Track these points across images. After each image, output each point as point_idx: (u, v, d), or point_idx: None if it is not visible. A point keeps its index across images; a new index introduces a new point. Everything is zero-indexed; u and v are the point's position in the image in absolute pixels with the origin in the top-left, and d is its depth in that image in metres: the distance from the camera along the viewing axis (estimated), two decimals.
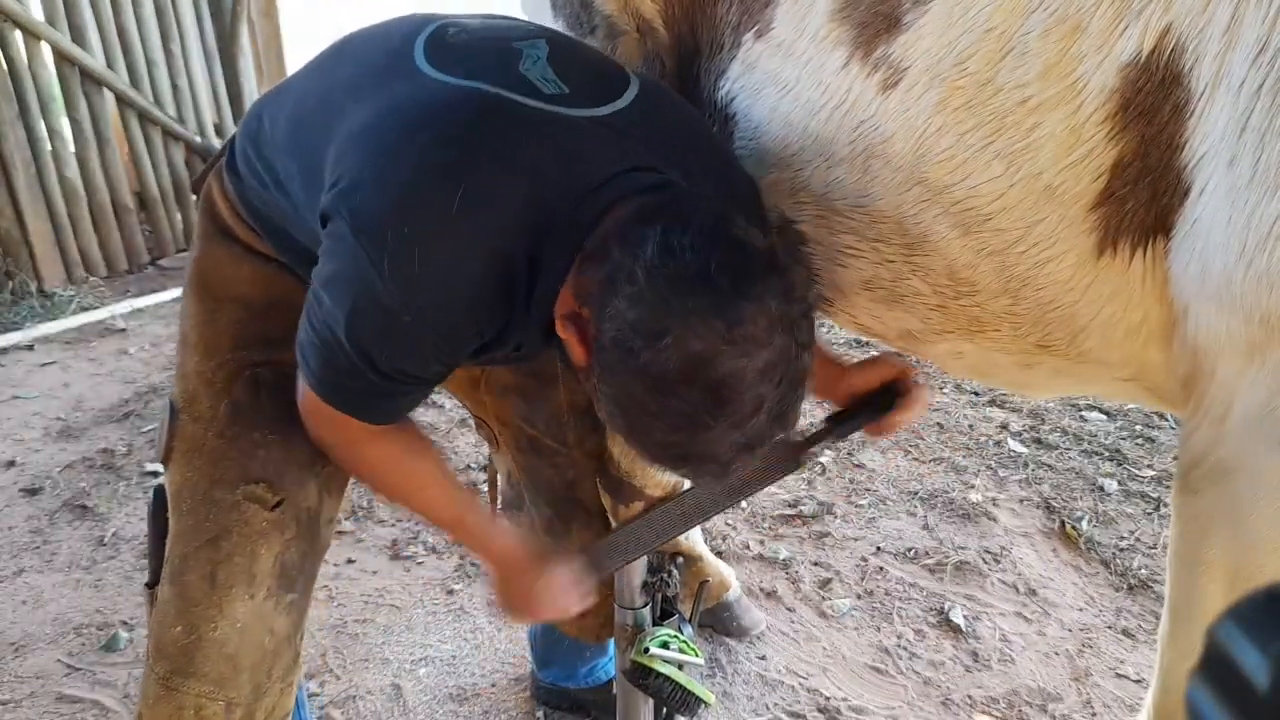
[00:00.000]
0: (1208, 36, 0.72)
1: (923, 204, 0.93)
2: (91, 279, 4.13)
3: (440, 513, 1.06)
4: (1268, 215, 0.69)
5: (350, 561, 2.15)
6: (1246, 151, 0.70)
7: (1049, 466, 2.64)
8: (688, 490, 1.16)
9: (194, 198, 4.36)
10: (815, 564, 2.19)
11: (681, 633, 1.21)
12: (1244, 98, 0.70)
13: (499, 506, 1.50)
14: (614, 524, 1.42)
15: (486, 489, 1.54)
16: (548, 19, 1.28)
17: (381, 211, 0.83)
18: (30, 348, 3.40)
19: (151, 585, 1.08)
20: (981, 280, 0.94)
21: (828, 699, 1.77)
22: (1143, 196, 0.80)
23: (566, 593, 1.04)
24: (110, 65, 4.07)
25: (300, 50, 5.01)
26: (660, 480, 1.45)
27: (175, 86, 4.41)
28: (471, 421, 2.82)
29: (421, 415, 2.88)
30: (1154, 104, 0.77)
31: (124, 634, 1.88)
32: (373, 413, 0.93)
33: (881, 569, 2.17)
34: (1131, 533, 2.31)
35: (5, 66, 3.67)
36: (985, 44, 0.83)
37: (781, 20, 1.00)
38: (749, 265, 0.78)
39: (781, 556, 2.20)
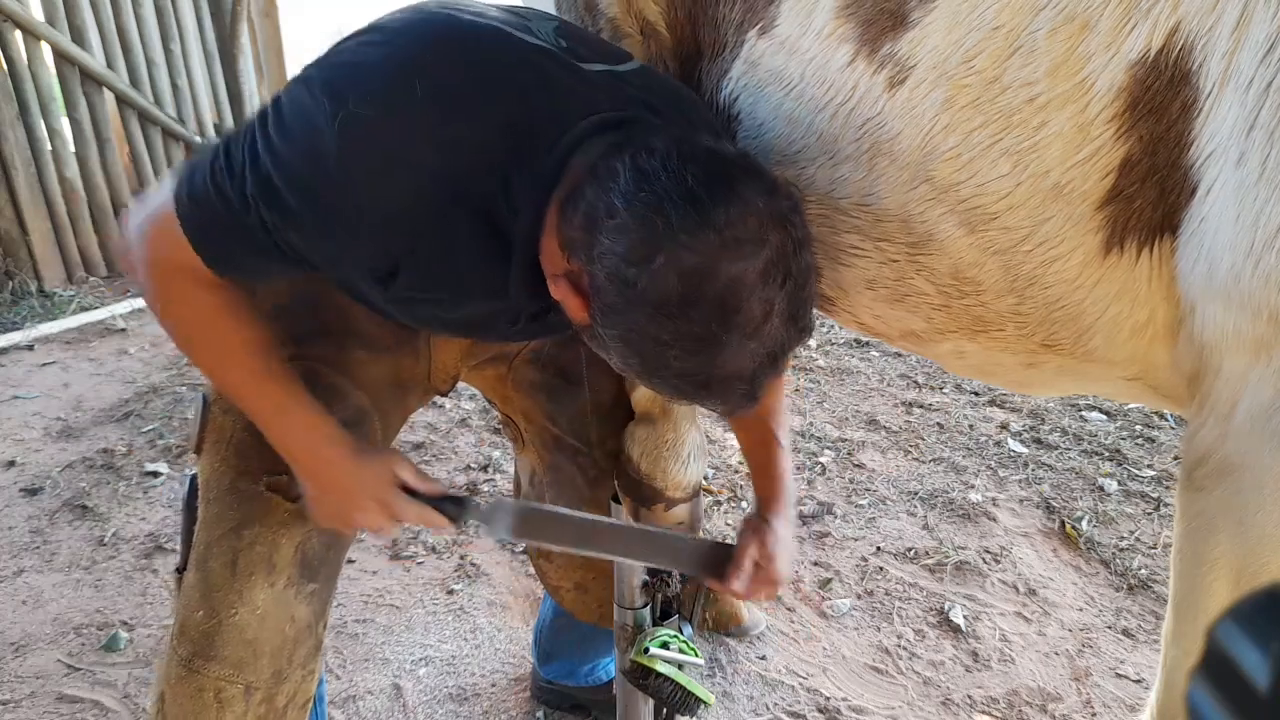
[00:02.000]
0: (1216, 35, 0.72)
1: (928, 202, 0.92)
2: (91, 279, 4.14)
3: (244, 387, 0.96)
4: (1276, 213, 0.69)
5: (350, 561, 2.15)
6: (1255, 149, 0.70)
7: (1049, 466, 2.64)
8: (627, 525, 1.14)
9: None
10: (815, 564, 2.19)
11: (681, 633, 1.21)
12: (1252, 96, 0.70)
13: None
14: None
15: (512, 489, 1.54)
16: None
17: (354, 79, 0.81)
18: (30, 348, 3.40)
19: (180, 570, 1.10)
20: (987, 279, 0.93)
21: (828, 699, 1.77)
22: (1150, 195, 0.80)
23: (384, 492, 0.97)
24: (110, 65, 4.07)
25: (300, 50, 5.01)
26: (679, 482, 1.45)
27: (175, 86, 4.42)
28: (472, 422, 2.83)
29: (422, 416, 2.88)
30: (1162, 102, 0.76)
31: (124, 634, 1.88)
32: (216, 252, 0.87)
33: (881, 569, 2.17)
34: (1131, 533, 2.31)
35: (5, 66, 3.67)
36: (992, 42, 0.83)
37: (786, 17, 0.99)
38: (726, 171, 0.77)
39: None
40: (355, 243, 0.84)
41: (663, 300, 0.74)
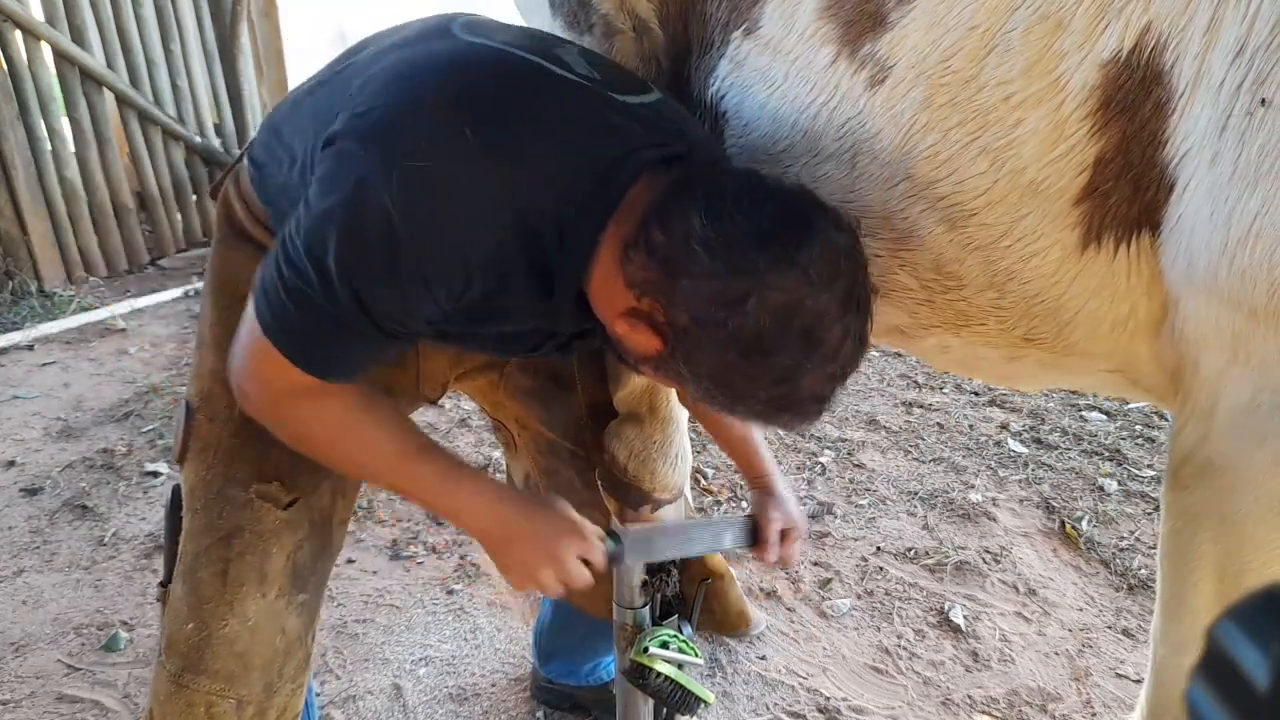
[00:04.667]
0: (1188, 36, 0.73)
1: (909, 199, 0.94)
2: (91, 279, 4.14)
3: (398, 474, 0.94)
4: (1248, 211, 0.70)
5: (350, 561, 2.15)
6: (1227, 150, 0.71)
7: (1049, 466, 2.64)
8: (694, 522, 1.21)
9: (194, 198, 4.34)
10: (815, 564, 2.19)
11: (681, 633, 1.21)
12: (1224, 97, 0.71)
13: None
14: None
15: None
16: (546, 17, 1.28)
17: (400, 128, 0.80)
18: (30, 348, 3.40)
19: (165, 583, 1.08)
20: (968, 274, 0.95)
21: (828, 699, 1.77)
22: (1125, 192, 0.81)
23: (571, 550, 0.96)
24: (110, 65, 4.07)
25: (300, 50, 5.02)
26: (667, 483, 1.45)
27: (175, 86, 4.42)
28: (472, 422, 2.83)
29: (422, 416, 2.88)
30: (1135, 101, 0.78)
31: (124, 634, 1.88)
32: (323, 362, 0.85)
33: (881, 569, 2.17)
34: (1131, 533, 2.32)
35: (5, 66, 3.67)
36: (969, 41, 0.84)
37: (770, 18, 1.00)
38: (796, 208, 0.81)
39: (802, 542, 2.19)
40: (429, 292, 0.82)
41: (755, 338, 0.78)
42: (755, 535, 1.19)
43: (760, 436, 1.29)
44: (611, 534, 1.05)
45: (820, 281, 0.77)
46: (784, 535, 1.20)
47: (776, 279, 0.76)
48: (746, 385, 0.82)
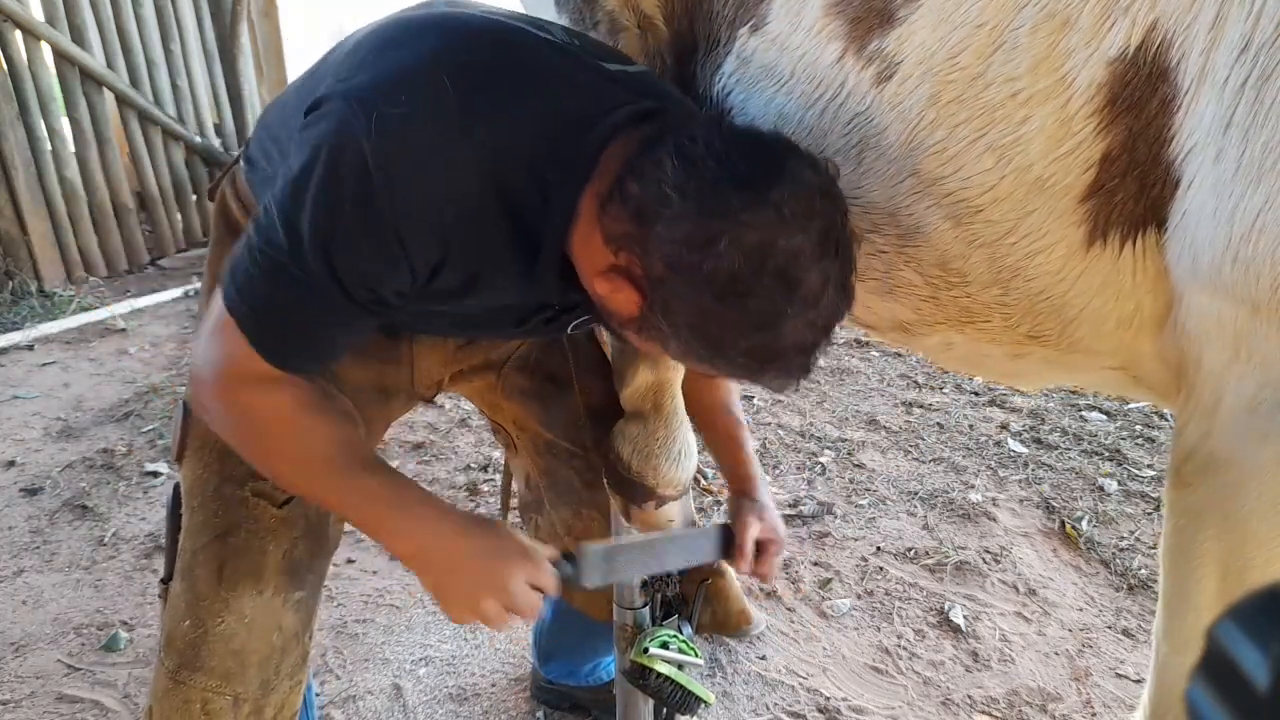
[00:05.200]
0: (1194, 33, 0.74)
1: (915, 195, 0.94)
2: (91, 279, 4.14)
3: (336, 482, 0.89)
4: (1251, 208, 0.71)
5: (350, 561, 2.15)
6: (1231, 146, 0.72)
7: (1049, 466, 2.64)
8: (659, 536, 1.17)
9: (194, 198, 4.33)
10: (815, 564, 2.19)
11: (681, 633, 1.21)
12: (1228, 94, 0.71)
13: (515, 509, 1.50)
14: (628, 525, 1.43)
15: (501, 493, 1.54)
16: (551, 14, 1.28)
17: (381, 84, 0.79)
18: (30, 348, 3.40)
19: (166, 580, 1.09)
20: (973, 271, 0.95)
21: (828, 699, 1.77)
22: (1131, 189, 0.81)
23: (518, 577, 0.88)
24: (110, 65, 4.08)
25: (300, 50, 5.02)
26: (671, 479, 1.45)
27: (175, 86, 4.42)
28: (472, 422, 2.83)
29: (422, 416, 2.88)
30: (1141, 98, 0.78)
31: (124, 634, 1.88)
32: (284, 344, 0.83)
33: (881, 569, 2.17)
34: (1131, 533, 2.32)
35: (5, 66, 3.68)
36: (976, 38, 0.84)
37: (776, 14, 1.01)
38: (769, 150, 0.80)
39: (781, 556, 2.20)
40: (406, 251, 0.81)
41: (729, 279, 0.76)
42: (730, 546, 1.14)
43: (748, 436, 1.27)
44: (567, 556, 0.98)
45: (794, 220, 0.76)
46: (762, 547, 1.16)
47: (749, 217, 0.75)
48: (726, 334, 0.79)
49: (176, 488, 1.10)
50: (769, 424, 2.90)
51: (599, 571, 1.01)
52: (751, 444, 1.27)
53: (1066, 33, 0.79)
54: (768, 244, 0.75)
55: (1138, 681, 1.83)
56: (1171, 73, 0.75)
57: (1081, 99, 0.80)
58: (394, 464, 2.20)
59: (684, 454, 1.49)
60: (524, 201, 0.84)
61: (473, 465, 2.62)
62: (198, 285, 4.03)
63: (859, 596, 2.08)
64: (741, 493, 1.23)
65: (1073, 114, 0.80)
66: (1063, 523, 2.35)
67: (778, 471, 2.61)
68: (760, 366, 0.82)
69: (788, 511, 2.39)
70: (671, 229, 0.77)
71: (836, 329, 0.84)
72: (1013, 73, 0.82)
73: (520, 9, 1.40)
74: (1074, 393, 3.10)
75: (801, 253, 0.76)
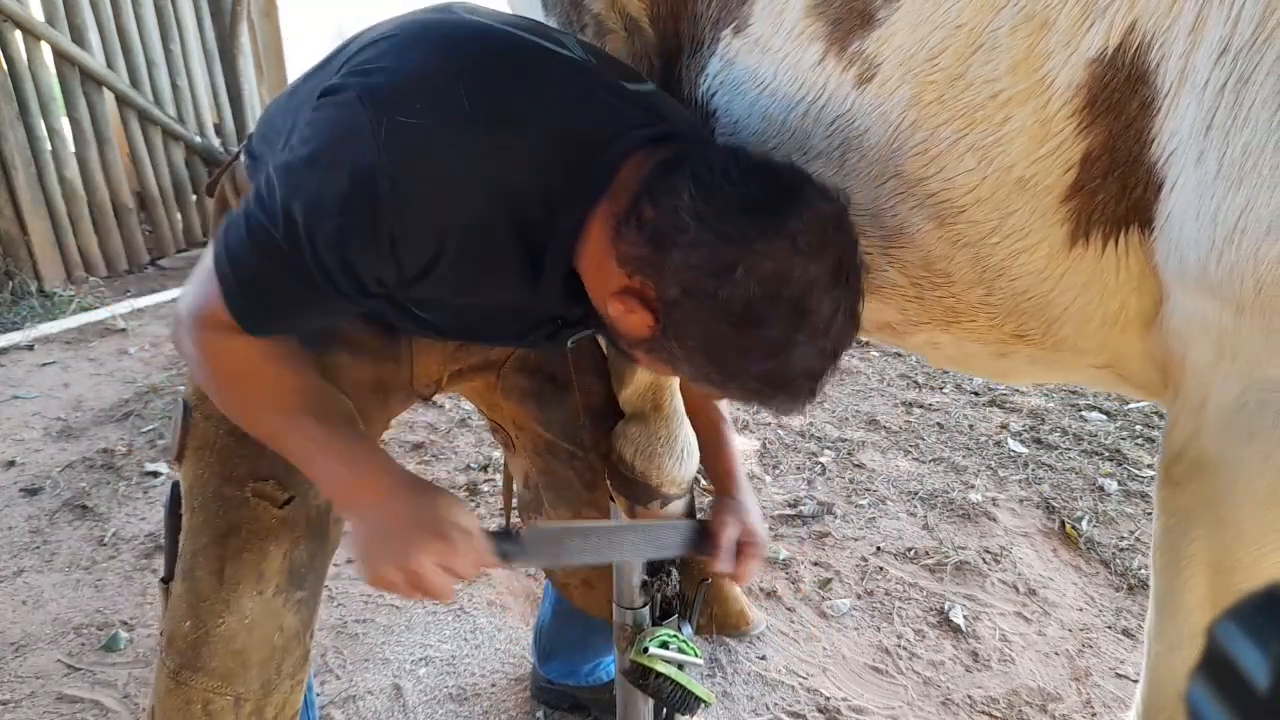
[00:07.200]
0: (1173, 36, 0.74)
1: (898, 196, 0.94)
2: (91, 279, 4.14)
3: (295, 426, 0.89)
4: (1233, 209, 0.71)
5: (350, 561, 2.15)
6: (1212, 149, 0.72)
7: (1049, 466, 2.64)
8: (627, 524, 1.15)
9: (194, 198, 4.33)
10: (815, 564, 2.19)
11: (681, 633, 1.21)
12: (1208, 96, 0.72)
13: (515, 509, 1.50)
14: (631, 523, 1.43)
15: (502, 492, 1.54)
16: (539, 17, 1.28)
17: (399, 86, 0.80)
18: (30, 348, 3.40)
19: (166, 580, 1.09)
20: (957, 271, 0.95)
21: (828, 699, 1.77)
22: (1112, 189, 0.82)
23: (427, 555, 0.86)
24: (110, 65, 4.08)
25: (300, 50, 5.02)
26: (674, 478, 1.45)
27: (175, 86, 4.42)
28: (472, 422, 2.83)
29: (422, 416, 2.88)
30: (1121, 99, 0.78)
31: (124, 634, 1.88)
32: (262, 314, 0.85)
33: (881, 569, 2.17)
34: (1131, 533, 2.32)
35: (5, 66, 3.68)
36: (956, 39, 0.84)
37: (759, 16, 1.01)
38: (784, 179, 0.81)
39: (781, 556, 2.20)
40: (395, 251, 0.81)
41: (744, 307, 0.77)
42: (705, 542, 1.12)
43: (733, 435, 1.27)
44: (505, 533, 0.95)
45: (809, 251, 0.77)
46: (740, 549, 1.13)
47: (765, 246, 0.76)
48: (738, 360, 0.81)
49: (175, 487, 1.09)
50: (769, 424, 2.90)
51: (543, 553, 1.00)
52: (737, 444, 1.27)
53: (1045, 34, 0.79)
54: (783, 274, 0.77)
55: (1137, 681, 1.83)
56: (1151, 75, 0.76)
57: (1061, 100, 0.80)
58: None
59: (686, 452, 1.49)
60: (531, 218, 0.85)
61: (473, 465, 2.62)
62: None
63: (859, 596, 2.08)
64: (723, 491, 1.23)
65: (1053, 115, 0.81)
66: (1063, 523, 2.35)
67: (778, 471, 2.61)
68: (770, 391, 0.84)
69: (788, 511, 2.39)
70: (688, 255, 0.78)
71: (843, 353, 0.85)
72: (992, 74, 0.83)
73: (507, 11, 1.40)
74: (1074, 393, 3.10)
75: (815, 283, 0.78)
